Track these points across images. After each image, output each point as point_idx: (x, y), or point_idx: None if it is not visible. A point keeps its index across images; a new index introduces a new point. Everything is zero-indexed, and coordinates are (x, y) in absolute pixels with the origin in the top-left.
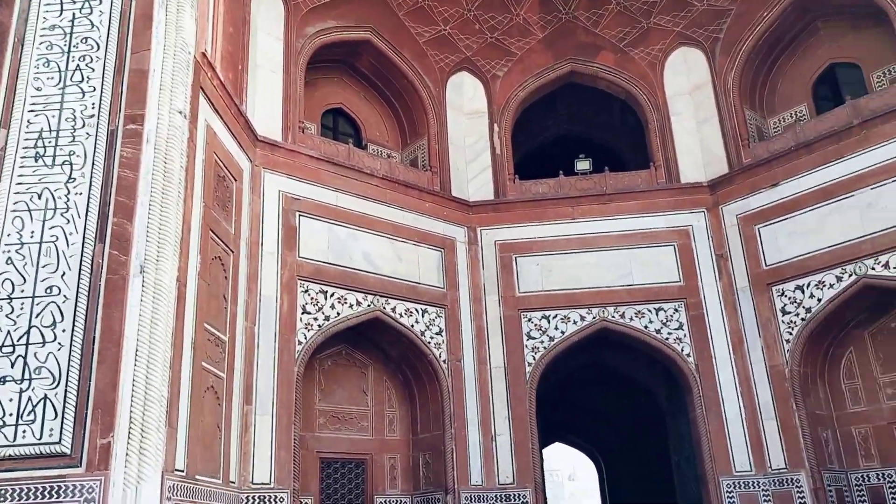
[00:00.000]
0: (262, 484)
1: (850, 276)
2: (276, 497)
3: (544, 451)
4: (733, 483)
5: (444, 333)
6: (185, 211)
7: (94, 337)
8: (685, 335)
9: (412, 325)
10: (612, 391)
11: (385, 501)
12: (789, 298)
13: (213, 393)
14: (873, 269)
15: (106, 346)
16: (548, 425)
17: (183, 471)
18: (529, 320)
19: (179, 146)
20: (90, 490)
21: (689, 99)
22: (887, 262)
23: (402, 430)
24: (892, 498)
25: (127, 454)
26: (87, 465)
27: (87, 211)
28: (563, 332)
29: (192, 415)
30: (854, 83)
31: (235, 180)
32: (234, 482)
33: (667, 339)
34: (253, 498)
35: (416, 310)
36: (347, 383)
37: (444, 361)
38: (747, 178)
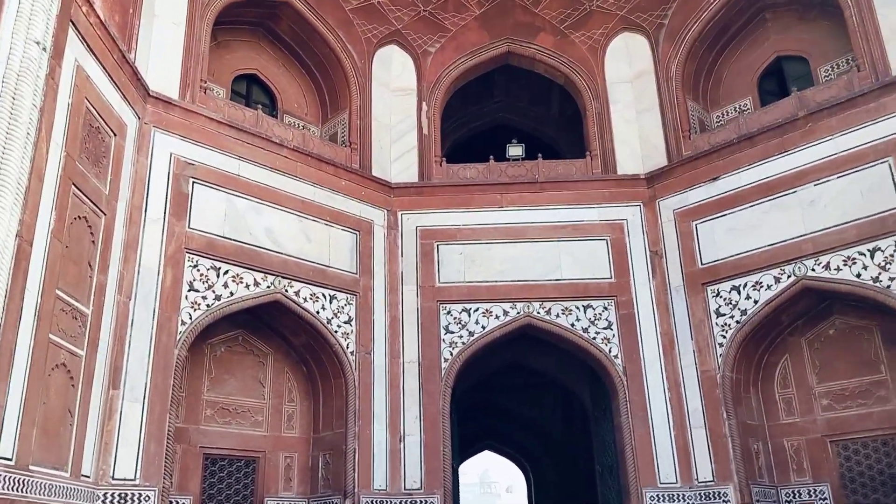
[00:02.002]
0: (125, 480)
1: (789, 276)
2: (140, 495)
3: (476, 459)
4: (657, 495)
5: (353, 323)
6: (37, 157)
7: None
8: (614, 335)
9: (317, 312)
10: (539, 396)
11: None
12: (724, 300)
13: (65, 372)
14: (813, 269)
15: None
16: (477, 432)
17: (10, 459)
18: (449, 313)
19: (33, 81)
20: None
21: (629, 87)
22: (828, 262)
23: (302, 427)
24: None
25: None
26: None
27: None
28: (484, 328)
29: (30, 394)
30: (801, 77)
31: (115, 135)
32: (87, 476)
33: (594, 338)
34: (112, 496)
35: (324, 295)
36: (242, 373)
37: (351, 353)
38: (687, 171)
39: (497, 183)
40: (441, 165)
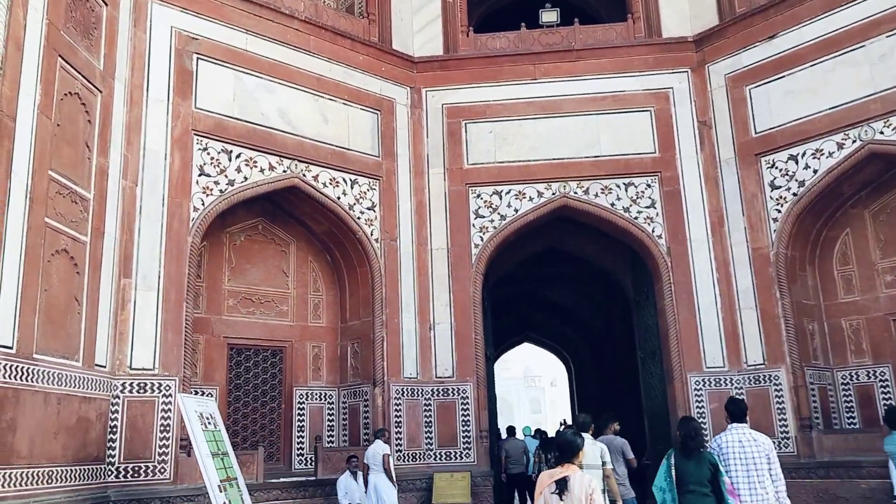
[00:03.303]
0: (143, 369)
1: (854, 142)
2: (160, 384)
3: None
4: (702, 380)
5: (377, 209)
6: (12, 23)
7: None
8: (657, 214)
9: (338, 198)
10: (578, 284)
11: (306, 394)
12: (780, 171)
13: (68, 258)
14: (882, 132)
15: None
16: (515, 324)
17: (10, 347)
18: (478, 196)
19: None
20: None
21: None
22: None
23: (329, 317)
24: (883, 398)
25: None
26: None
27: None
28: (516, 211)
29: (27, 280)
30: None
31: (106, 5)
32: (103, 366)
33: (636, 218)
34: (131, 384)
35: (344, 180)
36: (264, 262)
37: (376, 240)
38: (740, 29)
39: (529, 53)
40: (468, 36)
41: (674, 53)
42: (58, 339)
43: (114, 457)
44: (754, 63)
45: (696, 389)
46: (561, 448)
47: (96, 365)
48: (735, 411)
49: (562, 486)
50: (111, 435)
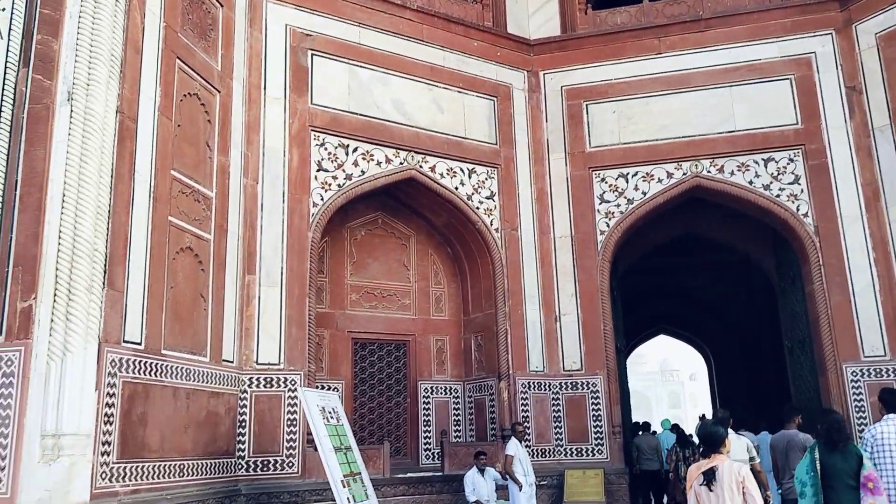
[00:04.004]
0: (269, 364)
1: None
2: (286, 379)
3: (656, 347)
4: (860, 371)
5: (496, 198)
6: (130, 26)
7: (17, 181)
8: (802, 190)
9: (456, 188)
10: (715, 272)
11: (431, 388)
12: None
13: (192, 256)
14: None
15: (28, 191)
16: (650, 315)
17: (139, 343)
18: (603, 180)
19: None
20: (9, 362)
21: None
22: None
23: (451, 310)
24: None
25: (52, 320)
26: (7, 332)
27: (10, 29)
28: (644, 194)
29: (153, 278)
30: None
31: (222, 6)
32: (230, 361)
33: (778, 196)
34: (258, 380)
35: (462, 169)
36: (385, 256)
37: (496, 230)
38: None
39: (653, 26)
40: (586, 14)
41: (815, 15)
42: (185, 335)
43: (243, 451)
44: None
45: (852, 381)
46: (704, 440)
47: (223, 360)
48: (890, 401)
49: (710, 476)
50: (240, 429)
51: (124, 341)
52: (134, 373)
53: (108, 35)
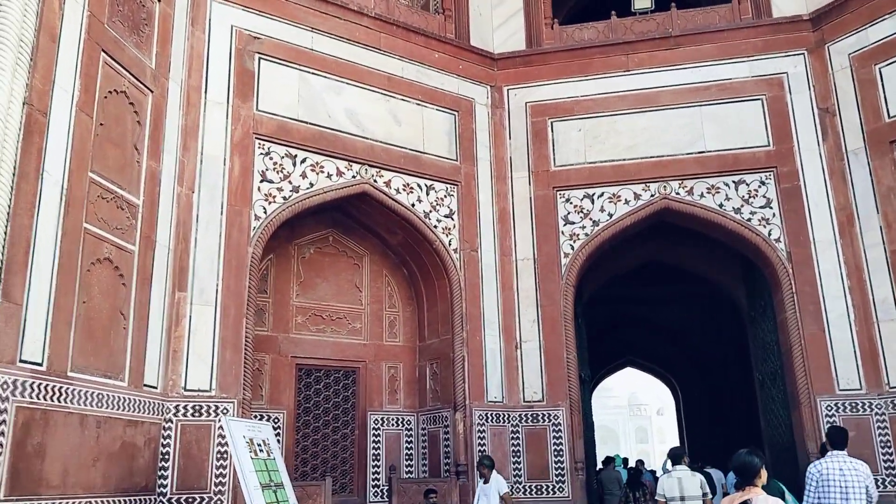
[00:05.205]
0: (199, 391)
1: None
2: (217, 407)
3: (623, 381)
4: (835, 405)
5: (455, 216)
6: (46, 11)
7: None
8: (774, 215)
9: (413, 205)
10: (684, 302)
11: (382, 419)
12: None
13: (112, 268)
14: None
15: None
16: (616, 347)
17: (40, 363)
18: (568, 200)
19: None
20: None
21: None
22: None
23: (406, 335)
24: None
25: None
26: None
27: None
28: (610, 215)
29: (61, 290)
30: None
31: (158, 1)
32: (153, 386)
33: (749, 220)
34: (185, 408)
35: (419, 185)
36: (336, 276)
37: (454, 250)
38: (865, 2)
39: (621, 42)
40: (553, 28)
41: (787, 34)
42: (99, 356)
43: (165, 487)
44: (885, 38)
45: (827, 415)
46: (738, 470)
47: (145, 385)
48: (838, 439)
49: None
50: (162, 463)
51: (21, 361)
52: (31, 397)
53: (16, 17)
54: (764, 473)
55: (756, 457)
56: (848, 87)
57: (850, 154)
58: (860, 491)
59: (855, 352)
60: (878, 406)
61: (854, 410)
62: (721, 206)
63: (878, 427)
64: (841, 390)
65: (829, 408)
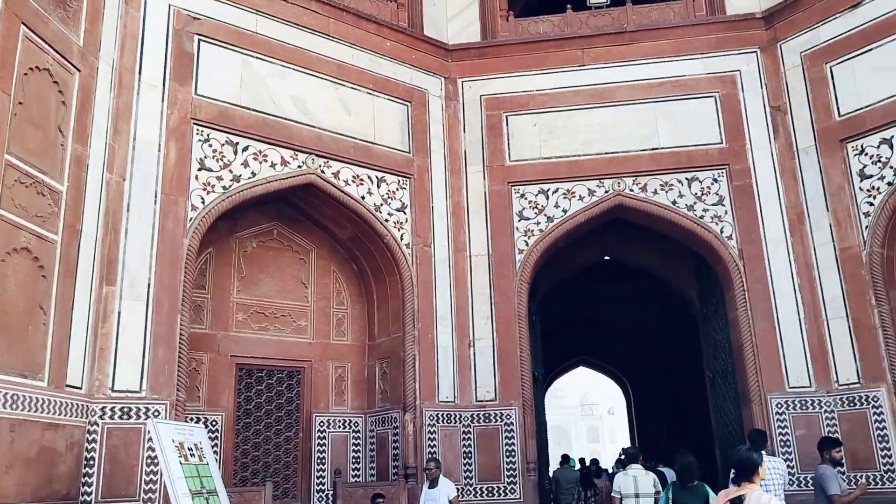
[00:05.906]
0: (128, 392)
1: None
2: (148, 409)
3: (576, 381)
4: (786, 402)
5: (407, 210)
6: None
7: None
8: (726, 212)
9: (363, 197)
10: (637, 301)
11: (328, 421)
12: (871, 157)
13: (31, 259)
14: None
15: None
16: (570, 346)
17: None
18: (522, 196)
19: None
20: None
21: None
22: None
23: (355, 334)
24: None
25: None
26: None
27: None
28: (565, 211)
29: None
30: None
31: None
32: (77, 387)
33: (701, 217)
34: (112, 410)
35: (370, 177)
36: (280, 272)
37: (406, 245)
38: (817, 0)
39: (577, 36)
40: (508, 21)
41: (740, 32)
42: (14, 353)
43: (89, 495)
44: (835, 37)
45: (777, 412)
46: (738, 466)
47: (67, 386)
48: (757, 440)
49: None
50: (87, 469)
51: None
52: None
53: None
54: (762, 471)
55: (755, 453)
56: (799, 85)
57: (801, 152)
58: (780, 489)
59: (805, 349)
60: (827, 403)
61: (804, 407)
62: (674, 203)
63: (828, 424)
64: (791, 388)
65: (779, 405)
